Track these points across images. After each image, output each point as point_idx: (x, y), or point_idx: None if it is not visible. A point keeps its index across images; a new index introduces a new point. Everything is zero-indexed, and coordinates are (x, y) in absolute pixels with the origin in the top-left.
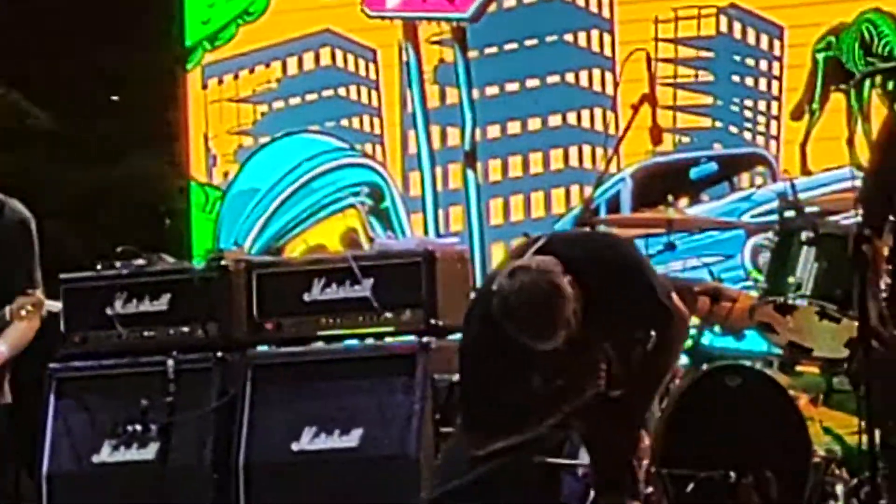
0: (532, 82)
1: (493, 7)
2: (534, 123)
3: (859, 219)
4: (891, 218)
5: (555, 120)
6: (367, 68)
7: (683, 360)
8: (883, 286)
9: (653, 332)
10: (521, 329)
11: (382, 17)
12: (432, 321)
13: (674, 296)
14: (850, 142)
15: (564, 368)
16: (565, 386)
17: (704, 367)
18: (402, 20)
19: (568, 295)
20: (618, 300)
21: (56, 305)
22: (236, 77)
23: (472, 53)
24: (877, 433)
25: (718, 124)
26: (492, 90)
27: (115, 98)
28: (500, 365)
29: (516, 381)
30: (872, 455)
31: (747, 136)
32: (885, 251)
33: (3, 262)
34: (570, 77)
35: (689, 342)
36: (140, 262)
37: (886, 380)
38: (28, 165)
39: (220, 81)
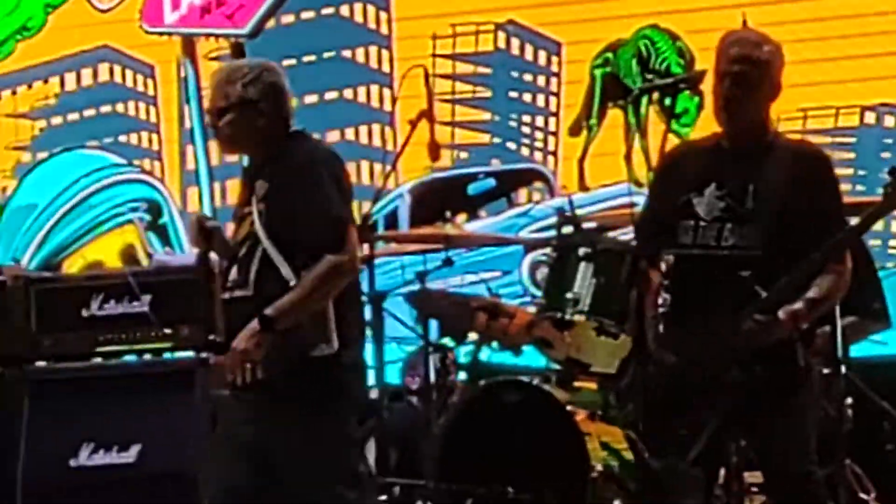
0: (310, 98)
1: (271, 23)
2: None
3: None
4: (667, 256)
5: (333, 136)
6: (145, 84)
7: (461, 375)
8: (657, 313)
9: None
10: None
11: (161, 33)
12: (210, 336)
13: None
14: (628, 158)
15: None
16: None
17: (482, 382)
18: (181, 36)
19: None
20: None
21: None
22: (14, 92)
23: None
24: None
25: (496, 140)
26: None
27: None
28: None
29: None
30: (645, 470)
31: (525, 151)
32: (657, 280)
33: None
34: (348, 93)
35: (467, 358)
36: None
37: (653, 401)
38: None
39: None
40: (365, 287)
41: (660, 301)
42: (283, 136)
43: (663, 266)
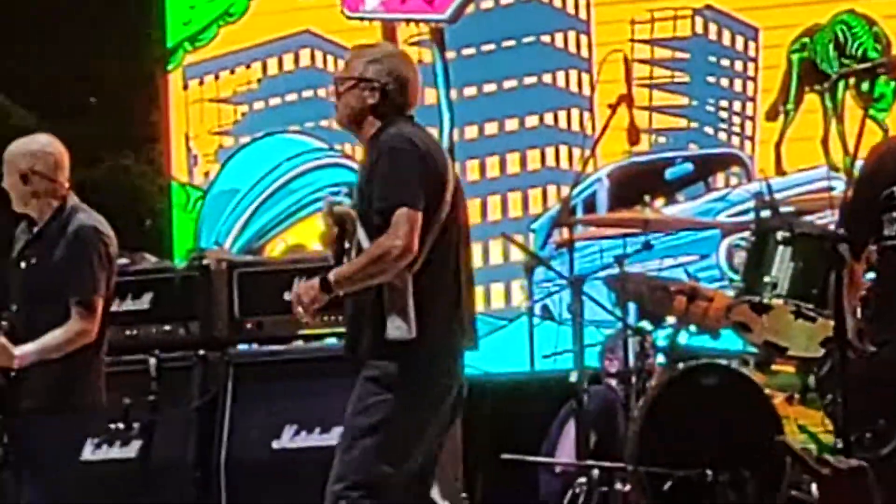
0: (509, 83)
1: (470, 8)
2: (511, 124)
3: (836, 219)
4: (872, 247)
5: (532, 120)
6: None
7: (660, 358)
8: (857, 304)
9: None
10: None
11: (361, 19)
12: None
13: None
14: (825, 142)
15: None
16: None
17: (681, 365)
18: (381, 21)
19: None
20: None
21: None
22: (217, 78)
23: (450, 54)
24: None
25: (694, 125)
26: (469, 91)
27: (93, 99)
28: None
29: None
30: (847, 454)
31: (722, 136)
32: (860, 272)
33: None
34: (547, 78)
35: (665, 341)
36: (123, 261)
37: (857, 393)
38: None
39: (202, 82)
40: (565, 271)
41: (861, 292)
42: (388, 119)
43: (866, 258)
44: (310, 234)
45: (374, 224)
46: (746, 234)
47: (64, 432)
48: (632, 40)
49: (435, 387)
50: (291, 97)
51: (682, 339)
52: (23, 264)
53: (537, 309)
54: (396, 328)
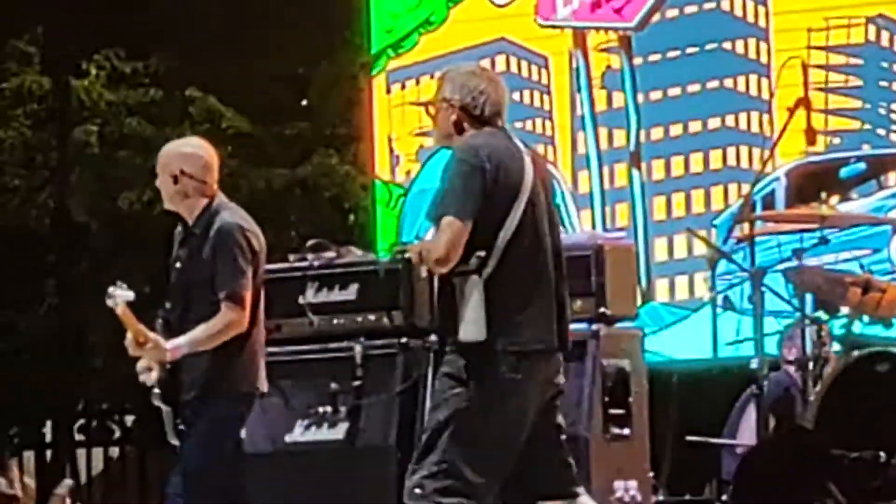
0: (693, 87)
1: (656, 17)
2: (695, 126)
3: None
4: None
5: (714, 123)
6: (539, 74)
7: (835, 346)
8: None
9: None
10: None
11: (554, 27)
12: (602, 310)
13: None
14: None
15: None
16: None
17: (855, 353)
18: (572, 29)
19: None
20: None
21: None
22: (418, 82)
23: (638, 60)
24: None
25: (867, 126)
26: (655, 95)
27: (304, 102)
28: None
29: None
30: None
31: (894, 137)
32: None
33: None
34: (728, 82)
35: (841, 331)
36: (330, 254)
37: None
38: (222, 165)
39: (403, 86)
40: (746, 264)
41: None
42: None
43: None
44: None
45: None
46: None
47: (216, 419)
48: (808, 47)
49: (500, 385)
50: None
51: (857, 328)
52: (177, 264)
53: (720, 299)
54: (466, 331)
